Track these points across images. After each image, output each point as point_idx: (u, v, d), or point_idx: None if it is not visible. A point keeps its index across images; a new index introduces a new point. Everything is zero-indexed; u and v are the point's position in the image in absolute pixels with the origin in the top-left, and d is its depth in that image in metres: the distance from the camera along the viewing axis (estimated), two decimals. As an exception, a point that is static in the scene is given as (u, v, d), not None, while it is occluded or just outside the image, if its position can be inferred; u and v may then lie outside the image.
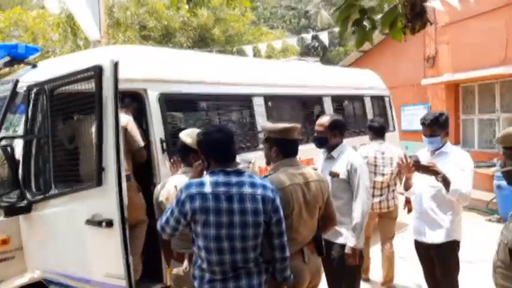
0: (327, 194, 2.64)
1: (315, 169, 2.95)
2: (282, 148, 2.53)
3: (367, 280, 4.48)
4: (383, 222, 4.40)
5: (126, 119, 3.42)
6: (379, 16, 1.72)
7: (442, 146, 3.16)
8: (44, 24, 13.10)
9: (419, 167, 3.00)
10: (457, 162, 3.05)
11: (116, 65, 2.56)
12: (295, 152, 2.59)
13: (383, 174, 4.25)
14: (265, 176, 2.44)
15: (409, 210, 4.27)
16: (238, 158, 3.71)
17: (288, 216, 2.37)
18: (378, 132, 4.40)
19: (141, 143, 3.52)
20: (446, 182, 2.90)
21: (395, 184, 4.35)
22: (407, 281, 4.41)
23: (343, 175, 3.03)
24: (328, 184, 2.77)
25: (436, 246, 3.10)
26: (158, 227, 2.20)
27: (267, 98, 4.91)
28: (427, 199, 3.13)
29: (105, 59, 2.64)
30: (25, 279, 3.15)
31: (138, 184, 3.57)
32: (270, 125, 2.62)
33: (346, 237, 2.98)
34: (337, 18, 1.73)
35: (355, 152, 3.25)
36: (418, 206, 3.21)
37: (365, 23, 1.72)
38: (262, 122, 4.68)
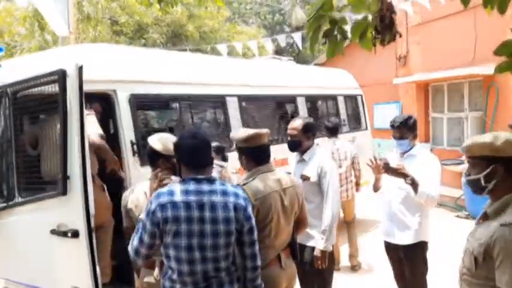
0: (301, 198, 2.63)
1: (289, 173, 2.94)
2: (252, 156, 2.49)
3: (338, 270, 4.63)
4: (343, 210, 4.95)
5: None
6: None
7: (410, 149, 3.21)
8: (10, 18, 12.60)
9: (388, 169, 3.04)
10: (425, 165, 3.10)
11: (80, 69, 2.47)
12: (267, 158, 2.54)
13: (340, 166, 4.76)
14: (244, 184, 2.39)
15: (358, 185, 5.15)
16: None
17: (267, 225, 2.36)
18: (332, 131, 4.96)
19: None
20: (414, 185, 2.95)
21: (351, 175, 4.98)
22: (378, 280, 4.49)
23: (313, 178, 3.04)
24: (302, 188, 2.77)
25: (404, 247, 3.16)
26: (131, 252, 2.06)
27: (241, 98, 4.88)
28: (396, 201, 3.18)
29: (69, 62, 2.53)
30: (-12, 289, 3.05)
31: (105, 184, 3.45)
32: (236, 135, 2.56)
33: (316, 240, 2.99)
34: (308, 29, 1.71)
35: (326, 155, 3.27)
36: (387, 207, 3.25)
37: (336, 33, 1.71)
38: (236, 122, 4.65)
